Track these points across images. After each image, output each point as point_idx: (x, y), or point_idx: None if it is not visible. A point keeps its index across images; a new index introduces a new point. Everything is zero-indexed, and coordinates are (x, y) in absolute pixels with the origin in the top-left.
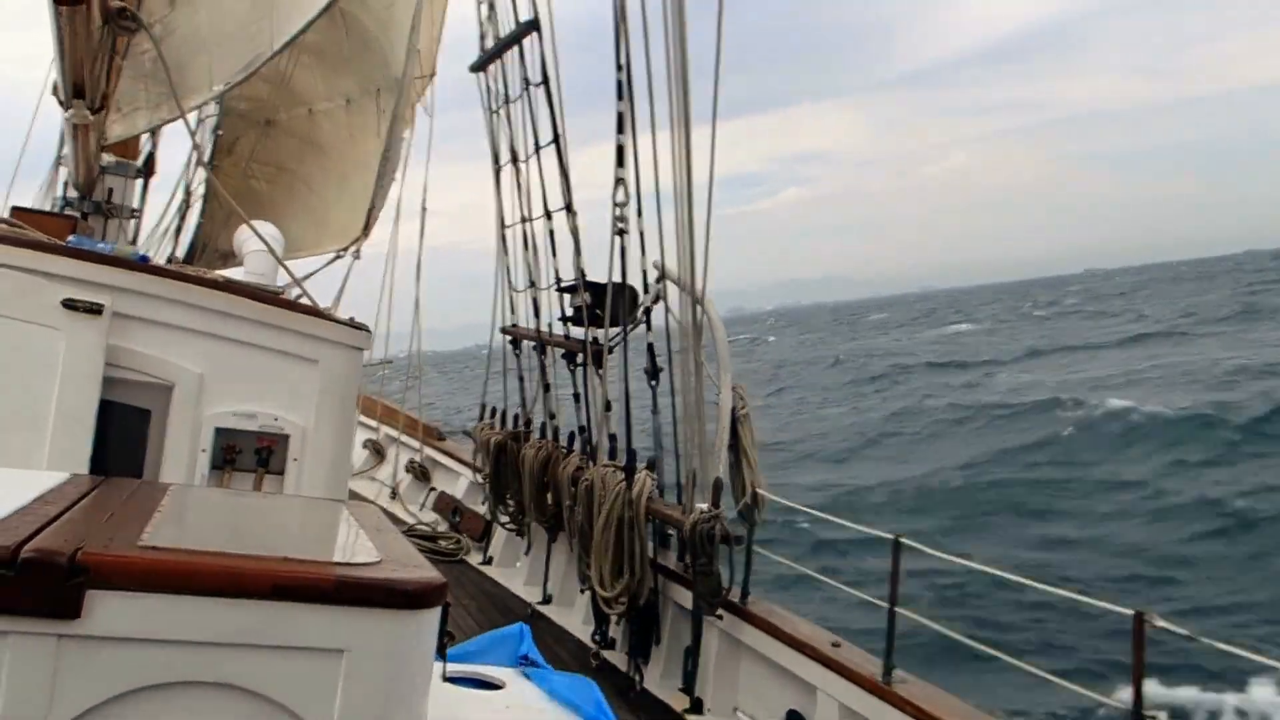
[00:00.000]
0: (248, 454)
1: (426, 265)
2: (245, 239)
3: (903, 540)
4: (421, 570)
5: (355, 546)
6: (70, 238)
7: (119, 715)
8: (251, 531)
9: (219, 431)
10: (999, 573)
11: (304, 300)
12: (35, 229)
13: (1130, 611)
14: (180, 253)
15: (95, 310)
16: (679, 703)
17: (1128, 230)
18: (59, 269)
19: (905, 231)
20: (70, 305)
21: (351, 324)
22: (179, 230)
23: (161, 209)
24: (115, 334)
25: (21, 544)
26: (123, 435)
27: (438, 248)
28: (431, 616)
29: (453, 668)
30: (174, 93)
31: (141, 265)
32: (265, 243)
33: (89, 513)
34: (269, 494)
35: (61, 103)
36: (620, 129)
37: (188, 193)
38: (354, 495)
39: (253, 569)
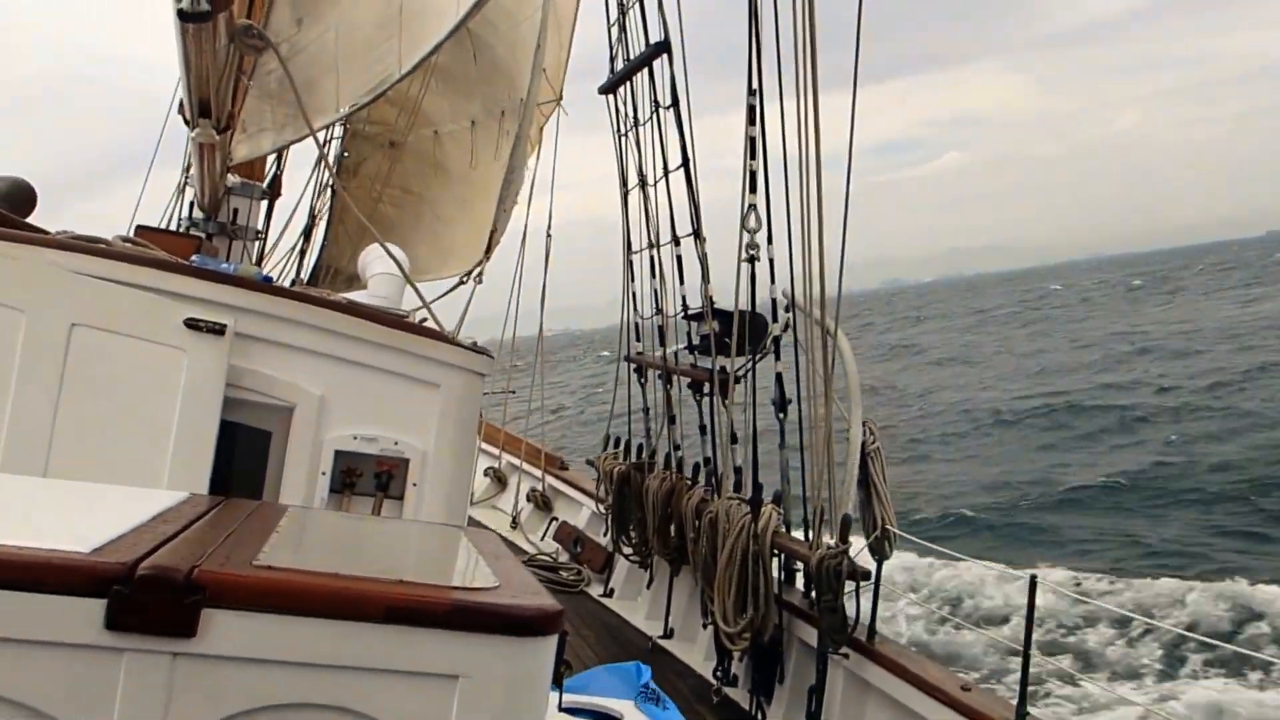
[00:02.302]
0: (367, 478)
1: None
2: (369, 261)
3: (1039, 579)
4: (539, 597)
5: (472, 572)
6: (194, 257)
7: None
8: (368, 554)
9: (339, 454)
10: (1130, 614)
11: (429, 323)
12: (159, 248)
13: None
14: (304, 275)
15: (218, 330)
16: None
17: None
18: (182, 288)
19: (1070, 196)
20: (193, 325)
21: (474, 348)
22: (303, 253)
23: (285, 231)
24: (237, 354)
25: (139, 561)
26: (243, 456)
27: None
28: (548, 644)
29: (570, 698)
30: (303, 112)
31: (264, 286)
32: (397, 263)
33: (206, 532)
34: (387, 518)
35: (187, 121)
36: (752, 154)
37: (312, 215)
38: (474, 523)
39: (368, 591)
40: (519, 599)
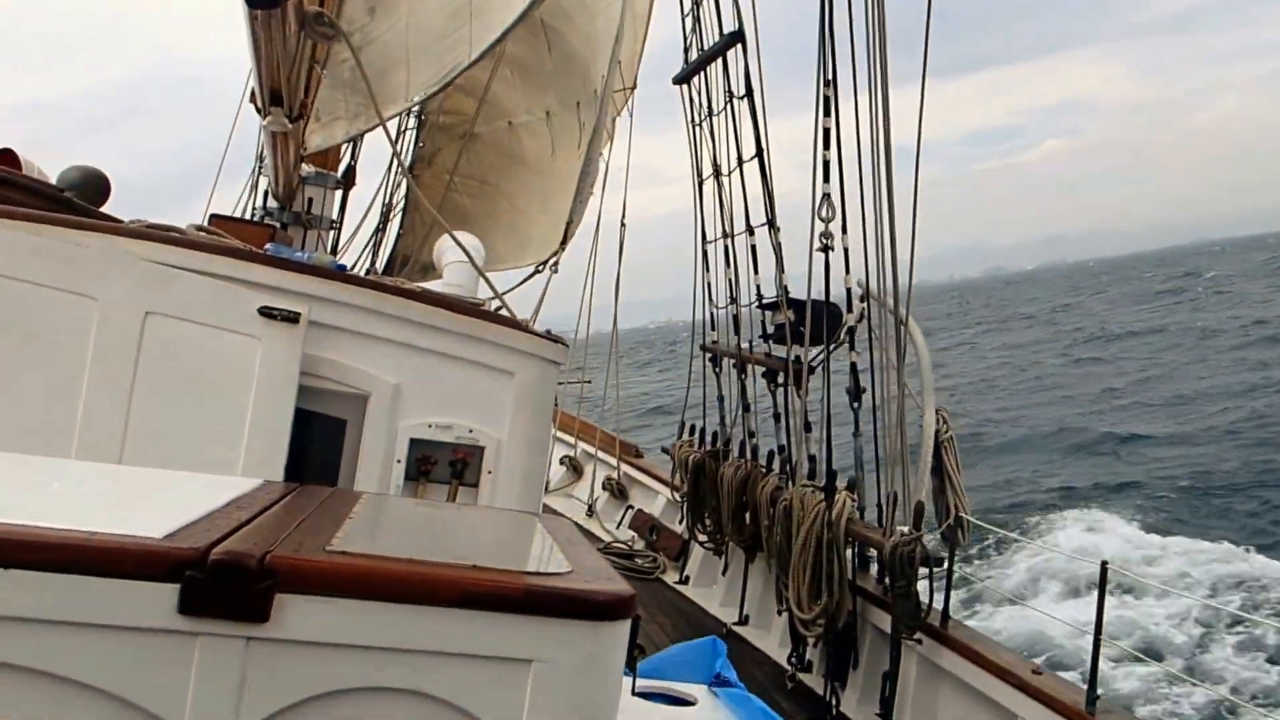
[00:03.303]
0: (442, 465)
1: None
2: (444, 250)
3: (1110, 566)
4: (612, 582)
5: (546, 558)
6: (268, 246)
7: (307, 719)
8: (442, 540)
9: (414, 442)
10: (1210, 603)
11: (503, 312)
12: (233, 237)
13: None
14: (380, 265)
15: (292, 319)
16: None
17: None
18: (256, 277)
19: (1173, 182)
20: (267, 313)
21: (548, 336)
22: (379, 243)
23: (363, 222)
24: (311, 343)
25: (211, 546)
26: (319, 444)
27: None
28: (621, 629)
29: (644, 683)
30: (373, 100)
31: (338, 274)
32: (466, 252)
33: (280, 518)
34: (462, 505)
35: (259, 110)
36: (826, 144)
37: (388, 205)
38: (550, 511)
39: (441, 575)
40: (592, 584)
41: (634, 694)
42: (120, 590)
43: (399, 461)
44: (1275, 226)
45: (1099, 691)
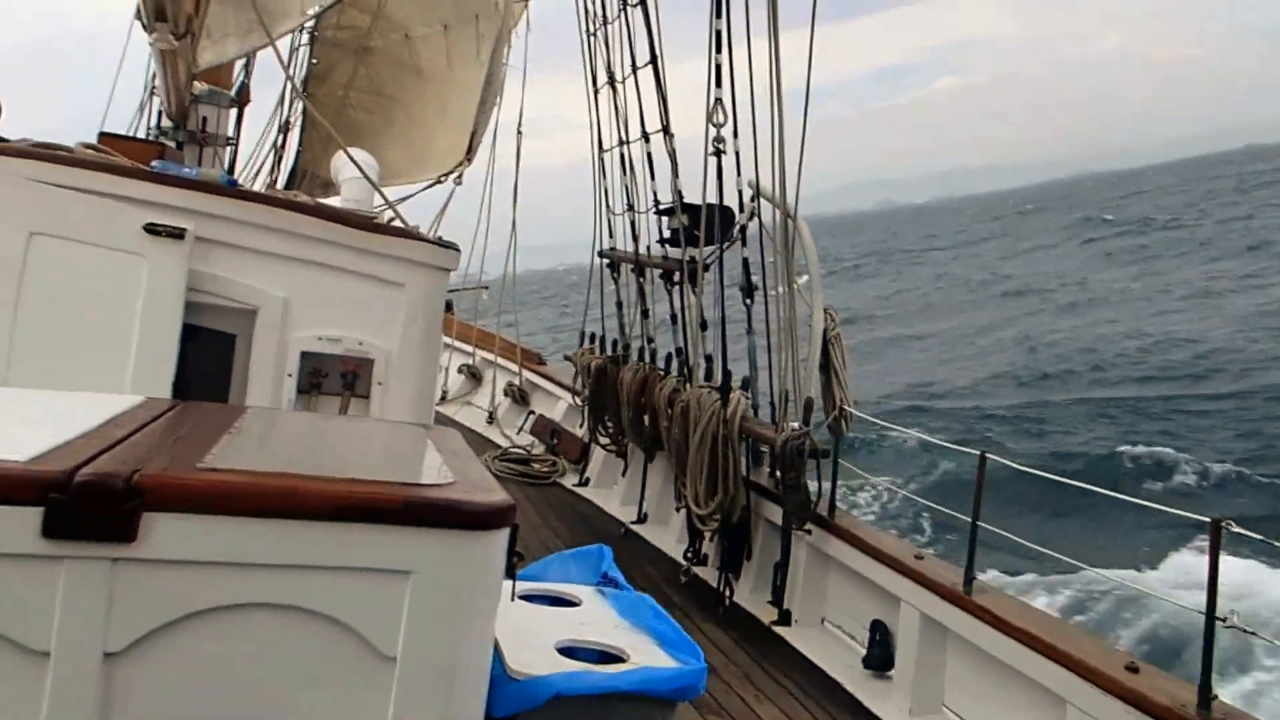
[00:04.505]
0: (333, 378)
1: (527, 185)
2: (340, 166)
3: (989, 456)
4: (491, 493)
5: (427, 469)
6: (154, 163)
7: (181, 638)
8: (324, 454)
9: (305, 355)
10: (1073, 482)
11: (396, 224)
12: (122, 155)
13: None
14: (280, 181)
15: (178, 234)
16: (768, 615)
17: None
18: (142, 194)
19: (1061, 117)
20: (152, 230)
21: (439, 243)
22: (280, 160)
23: (261, 139)
24: (198, 259)
25: (77, 468)
26: (209, 360)
27: (535, 170)
28: (499, 538)
29: (530, 586)
30: (260, 20)
31: (225, 189)
32: (359, 167)
33: (157, 436)
34: (348, 417)
35: (145, 27)
36: (718, 48)
37: (286, 121)
38: (447, 420)
39: (316, 489)
40: (469, 494)
41: (516, 599)
42: None
43: (290, 375)
44: (1154, 159)
45: (975, 574)
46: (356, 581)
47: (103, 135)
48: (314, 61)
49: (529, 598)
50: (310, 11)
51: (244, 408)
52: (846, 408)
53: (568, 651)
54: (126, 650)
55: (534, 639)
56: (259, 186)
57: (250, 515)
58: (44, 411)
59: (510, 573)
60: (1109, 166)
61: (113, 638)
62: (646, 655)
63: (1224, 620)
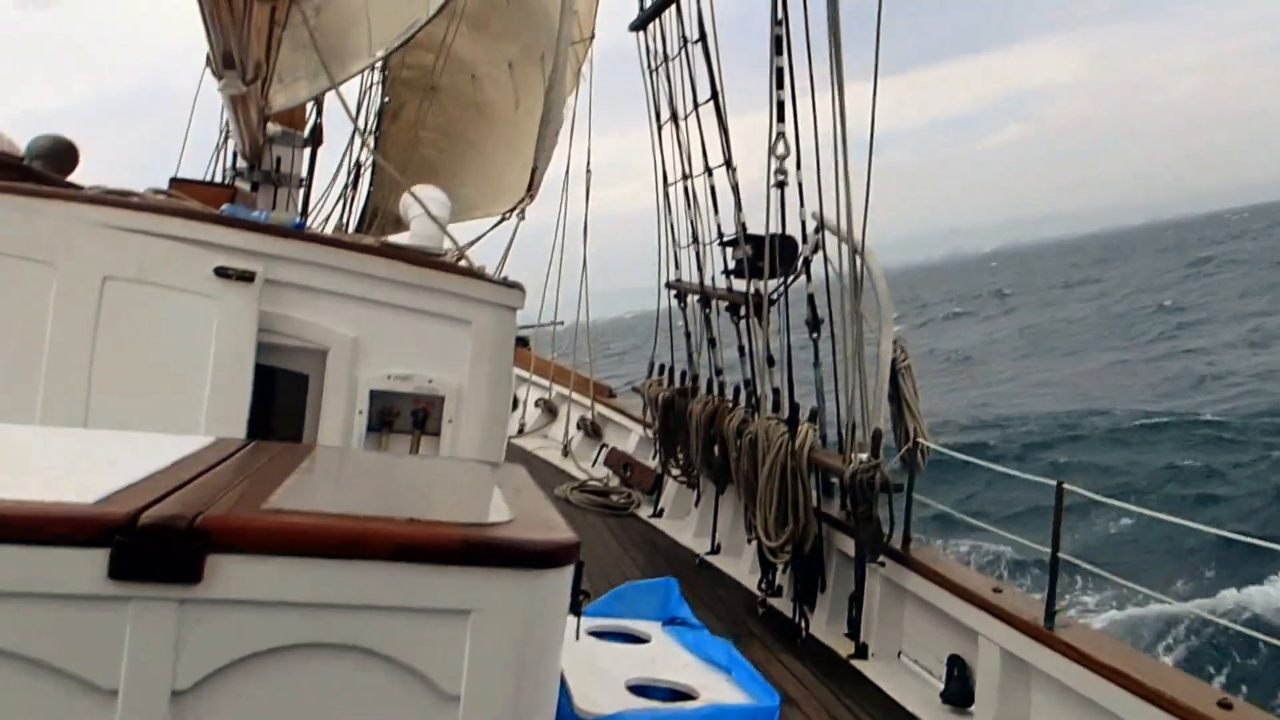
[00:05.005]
0: (404, 416)
1: (593, 231)
2: (409, 204)
3: (1066, 486)
4: (553, 530)
5: (489, 507)
6: (224, 206)
7: (246, 677)
8: (387, 493)
9: (374, 394)
10: (1163, 516)
11: (462, 263)
12: (192, 199)
13: None
14: (353, 220)
15: (247, 278)
16: (844, 648)
17: None
18: (211, 237)
19: (1129, 164)
20: (222, 273)
21: (504, 283)
22: (352, 199)
23: (334, 179)
24: (268, 300)
25: (143, 509)
26: (284, 400)
27: (601, 217)
28: (562, 576)
29: (600, 622)
30: (322, 61)
31: (292, 232)
32: (422, 205)
33: (224, 476)
34: (413, 456)
35: (215, 73)
36: (779, 84)
37: (358, 162)
38: (523, 454)
39: (374, 530)
40: (529, 532)
41: (580, 636)
42: (49, 558)
43: (360, 413)
44: (1228, 204)
45: (1057, 607)
46: (417, 622)
47: (173, 181)
48: (386, 100)
49: (599, 634)
50: (378, 54)
51: (312, 446)
52: (921, 440)
53: (639, 689)
54: (193, 688)
55: (605, 677)
56: (331, 225)
57: (311, 556)
58: (114, 453)
59: (576, 610)
60: (1182, 212)
61: (181, 676)
62: (718, 692)
63: None
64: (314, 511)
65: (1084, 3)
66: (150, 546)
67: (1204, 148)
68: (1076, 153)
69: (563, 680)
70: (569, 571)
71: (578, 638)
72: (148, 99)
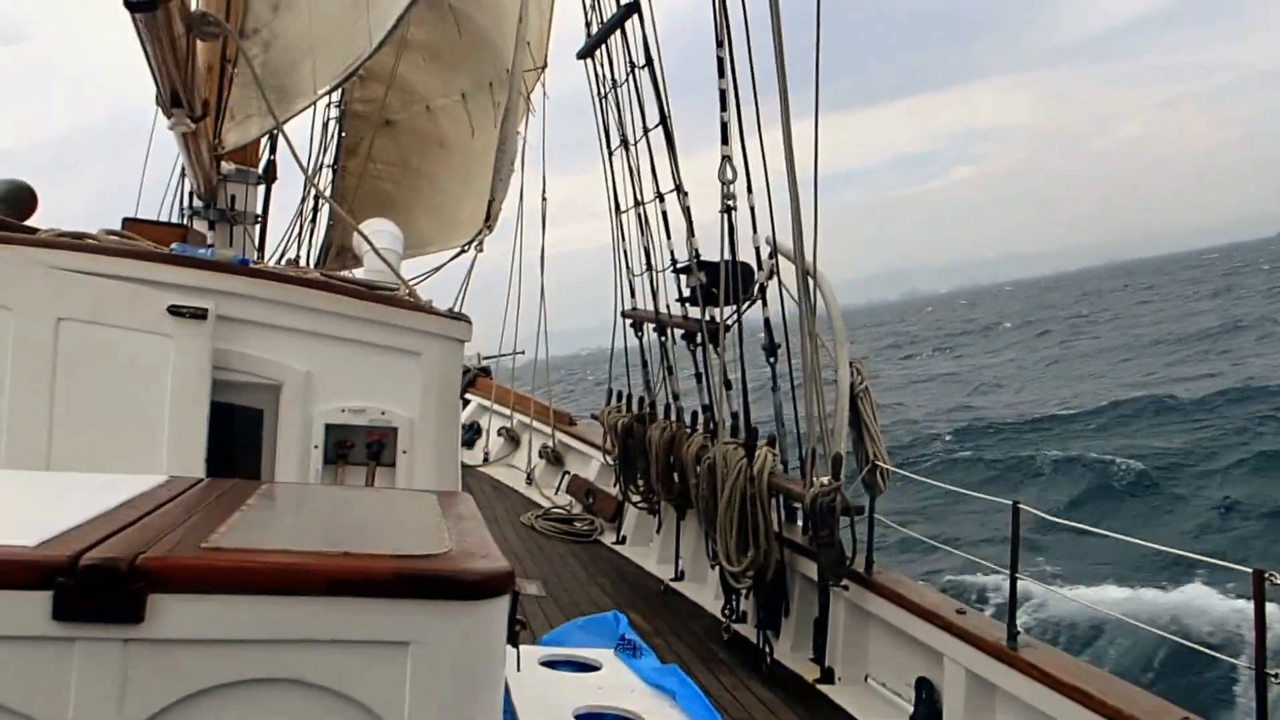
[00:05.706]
0: (359, 448)
1: (553, 268)
2: (362, 239)
3: (1021, 506)
4: (487, 560)
5: (427, 538)
6: (174, 245)
7: (194, 714)
8: (328, 527)
9: (329, 428)
10: (1122, 536)
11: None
12: (145, 239)
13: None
14: (311, 256)
15: (200, 315)
16: (810, 673)
17: None
18: (163, 276)
19: (1080, 206)
20: (175, 311)
21: (451, 315)
22: (312, 234)
23: (297, 215)
24: (222, 337)
25: (84, 551)
26: (241, 436)
27: (559, 254)
28: (498, 606)
29: (551, 651)
30: (265, 99)
31: (241, 269)
32: (369, 242)
33: (170, 515)
34: (363, 488)
35: (164, 112)
36: (724, 106)
37: (316, 198)
38: (495, 482)
39: (309, 565)
40: (464, 563)
41: (540, 664)
42: None
43: (316, 447)
44: (1178, 247)
45: (1018, 628)
46: (357, 654)
47: (126, 221)
48: (343, 135)
49: (551, 664)
50: (321, 91)
51: (259, 483)
52: (880, 463)
53: (586, 718)
54: None
55: (552, 707)
56: (287, 262)
57: (248, 593)
58: (66, 494)
59: (513, 640)
60: (1133, 254)
61: (127, 716)
62: (663, 717)
63: (1276, 676)
64: (251, 549)
65: (1034, 41)
66: (92, 588)
67: (1147, 192)
68: (1024, 195)
69: (513, 711)
70: (504, 601)
71: (519, 668)
72: (110, 137)
